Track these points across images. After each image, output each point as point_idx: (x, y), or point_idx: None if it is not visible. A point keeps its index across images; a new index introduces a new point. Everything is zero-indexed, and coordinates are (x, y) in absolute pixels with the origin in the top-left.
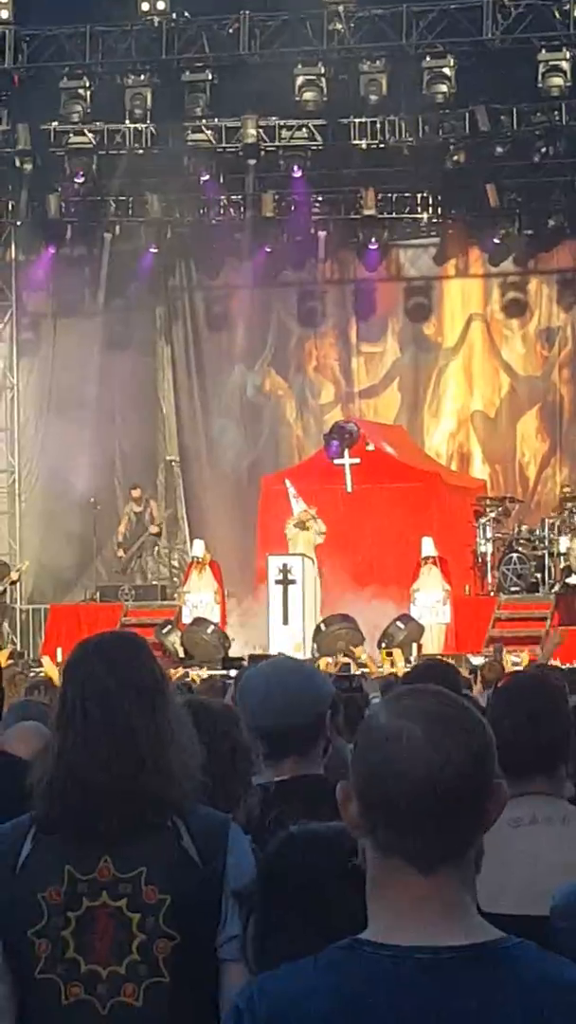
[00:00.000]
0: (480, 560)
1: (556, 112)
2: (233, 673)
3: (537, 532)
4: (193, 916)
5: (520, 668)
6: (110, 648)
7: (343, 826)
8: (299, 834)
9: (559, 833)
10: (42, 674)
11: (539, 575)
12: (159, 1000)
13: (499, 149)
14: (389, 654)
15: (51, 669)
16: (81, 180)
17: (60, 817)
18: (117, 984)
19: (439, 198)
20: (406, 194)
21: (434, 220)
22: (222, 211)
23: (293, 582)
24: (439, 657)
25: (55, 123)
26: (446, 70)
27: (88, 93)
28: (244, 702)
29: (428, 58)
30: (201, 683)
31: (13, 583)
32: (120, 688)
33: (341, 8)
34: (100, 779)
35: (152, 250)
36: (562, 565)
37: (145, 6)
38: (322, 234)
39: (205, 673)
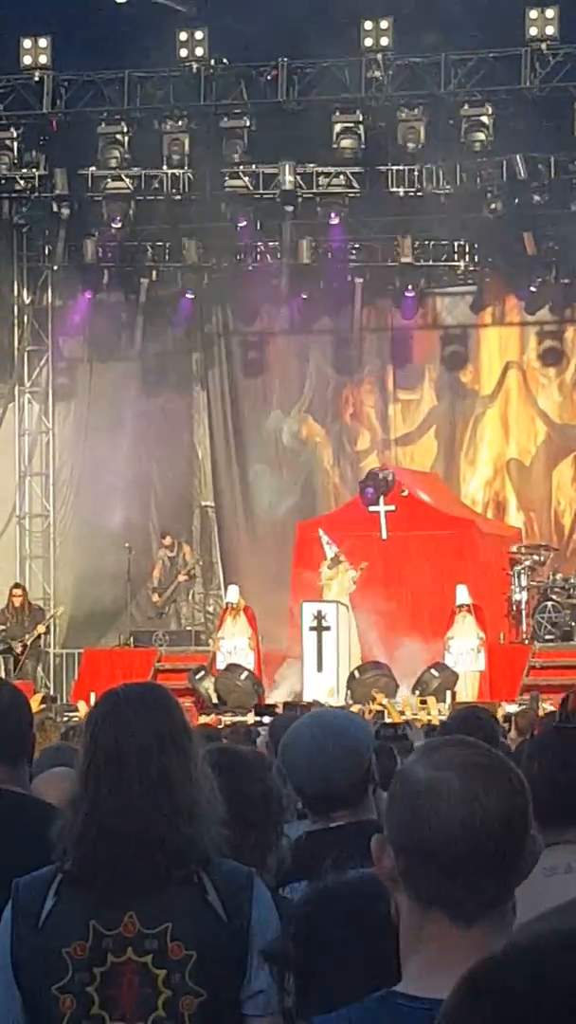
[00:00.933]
0: (515, 608)
1: None
2: (266, 720)
3: (572, 580)
4: (219, 972)
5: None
6: (138, 698)
7: (373, 873)
8: (332, 885)
9: None
10: (76, 719)
11: (574, 623)
12: None
13: (536, 197)
14: (423, 702)
15: (85, 712)
16: (118, 225)
17: (86, 868)
18: None
19: (476, 246)
20: (443, 242)
21: (471, 268)
22: (259, 257)
23: (328, 629)
24: (475, 704)
25: (93, 168)
26: (484, 118)
27: (126, 138)
28: (289, 764)
29: (466, 106)
30: (225, 728)
31: (47, 630)
32: (148, 738)
33: (379, 56)
34: (127, 829)
35: (189, 295)
36: None
37: (184, 52)
38: (359, 281)
39: (231, 719)
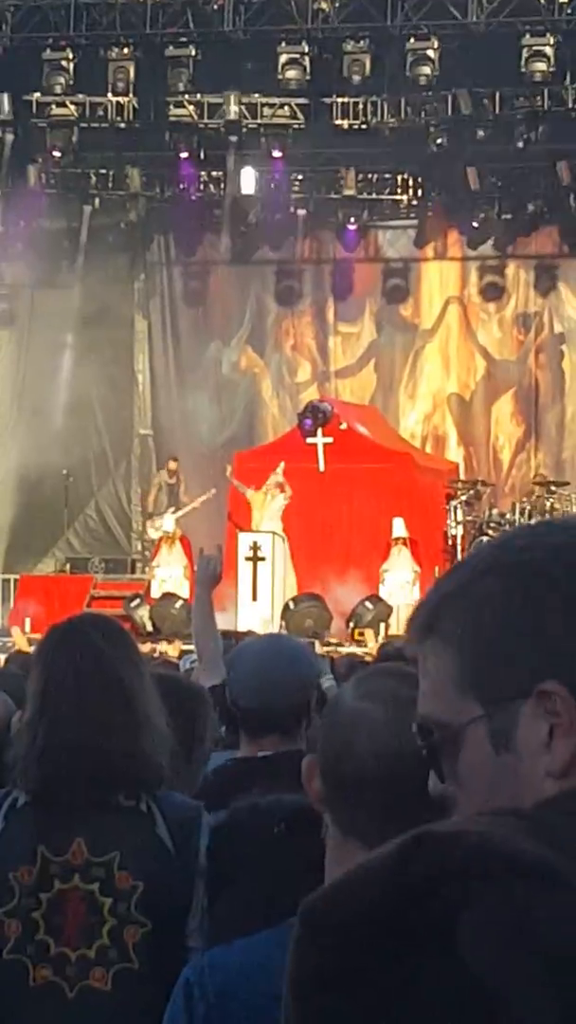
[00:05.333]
0: (451, 542)
1: (538, 97)
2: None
3: (508, 516)
4: (165, 904)
5: None
6: (91, 628)
7: (285, 797)
8: (242, 807)
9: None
10: (10, 643)
11: None
12: (128, 985)
13: (480, 133)
14: (361, 634)
15: (20, 639)
16: (62, 152)
17: (47, 787)
18: (86, 968)
19: (419, 180)
20: (386, 175)
21: (413, 202)
22: (202, 187)
23: (263, 559)
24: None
25: (37, 94)
26: (430, 52)
27: (71, 65)
28: (229, 678)
29: (412, 40)
30: (156, 660)
31: None
32: (99, 667)
33: None
34: (89, 741)
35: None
36: None
37: None
38: (301, 213)
39: (176, 649)
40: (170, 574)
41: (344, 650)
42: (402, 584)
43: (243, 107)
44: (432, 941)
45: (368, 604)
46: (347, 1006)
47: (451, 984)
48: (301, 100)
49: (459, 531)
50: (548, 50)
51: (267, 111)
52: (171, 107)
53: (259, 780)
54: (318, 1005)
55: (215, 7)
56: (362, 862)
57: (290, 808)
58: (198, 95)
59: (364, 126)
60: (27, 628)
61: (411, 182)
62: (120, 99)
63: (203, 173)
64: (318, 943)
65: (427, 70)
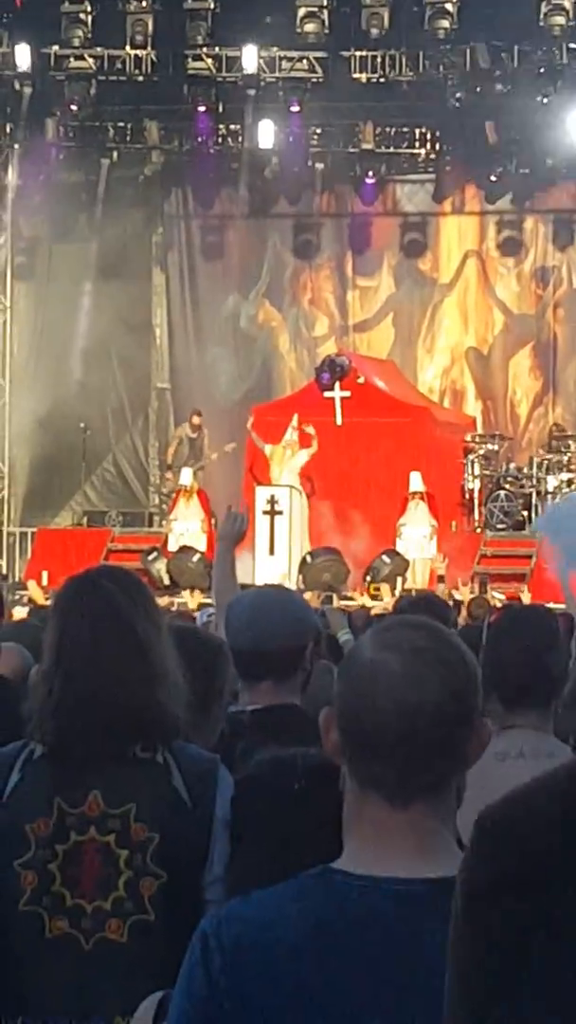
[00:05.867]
0: (467, 497)
1: (557, 51)
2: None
3: (525, 470)
4: (181, 856)
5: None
6: (109, 572)
7: (306, 751)
8: (265, 760)
9: (544, 768)
10: (26, 598)
11: (526, 513)
12: (143, 937)
13: (499, 87)
14: (377, 588)
15: (36, 592)
16: (80, 105)
17: (62, 739)
18: (101, 919)
19: (437, 134)
20: (404, 129)
21: (432, 156)
22: (220, 140)
23: (280, 513)
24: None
25: (56, 47)
26: (448, 5)
27: (89, 18)
28: (227, 622)
29: None
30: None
31: None
32: (123, 605)
33: None
34: (103, 695)
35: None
36: (549, 503)
37: None
38: (319, 167)
39: (194, 602)
40: (187, 528)
41: (360, 603)
42: (419, 538)
43: (261, 60)
44: None
45: (385, 558)
46: (525, 910)
47: None
48: (319, 54)
49: (476, 485)
50: (567, 3)
51: (285, 65)
52: (189, 60)
53: (247, 734)
54: (496, 910)
55: None
56: (539, 778)
57: (311, 762)
58: (216, 48)
59: (382, 80)
60: (44, 581)
61: (429, 136)
62: (138, 52)
63: (221, 126)
64: (498, 851)
65: (446, 24)
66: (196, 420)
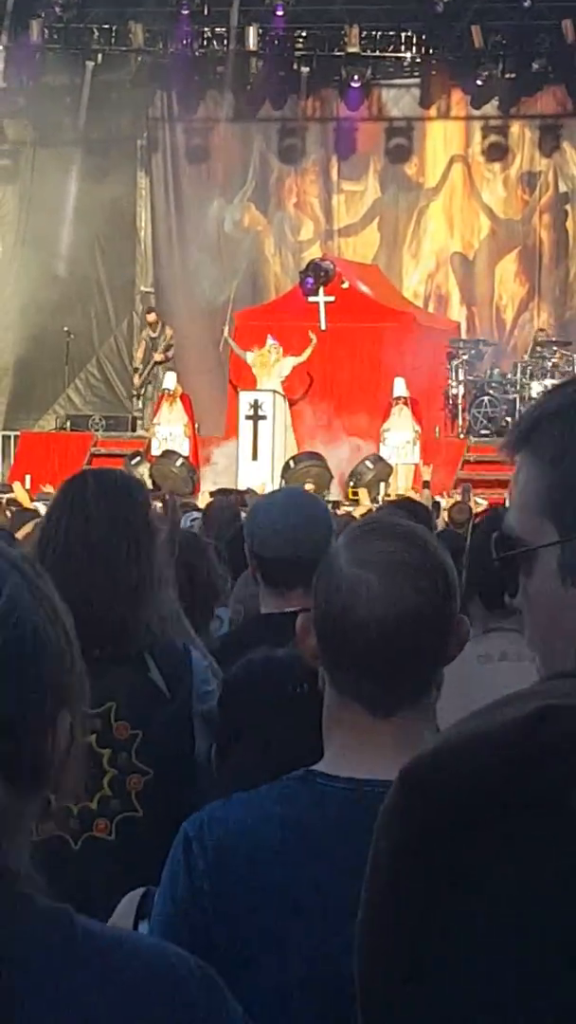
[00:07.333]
0: (451, 402)
1: None
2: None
3: (509, 376)
4: (165, 750)
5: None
6: (105, 480)
7: (298, 653)
8: (257, 660)
9: (527, 670)
10: (11, 497)
11: (509, 419)
12: (132, 834)
13: None
14: (355, 493)
15: (21, 494)
16: (64, 7)
17: None
18: (89, 819)
19: (423, 38)
20: (390, 32)
21: (417, 60)
22: (205, 43)
23: (264, 418)
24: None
25: None
26: None
27: None
28: (252, 529)
29: None
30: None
31: None
32: (111, 519)
33: None
34: (71, 603)
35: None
36: None
37: None
38: (304, 70)
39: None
40: (171, 432)
41: (343, 510)
42: (402, 443)
43: None
44: (545, 808)
45: (368, 463)
46: (450, 866)
47: (560, 848)
48: None
49: (460, 391)
50: None
51: None
52: None
53: (284, 636)
54: (419, 865)
55: None
56: (470, 729)
57: (307, 665)
58: None
59: None
60: (27, 484)
61: (415, 40)
62: None
63: (206, 29)
64: (424, 804)
65: None
66: (151, 317)
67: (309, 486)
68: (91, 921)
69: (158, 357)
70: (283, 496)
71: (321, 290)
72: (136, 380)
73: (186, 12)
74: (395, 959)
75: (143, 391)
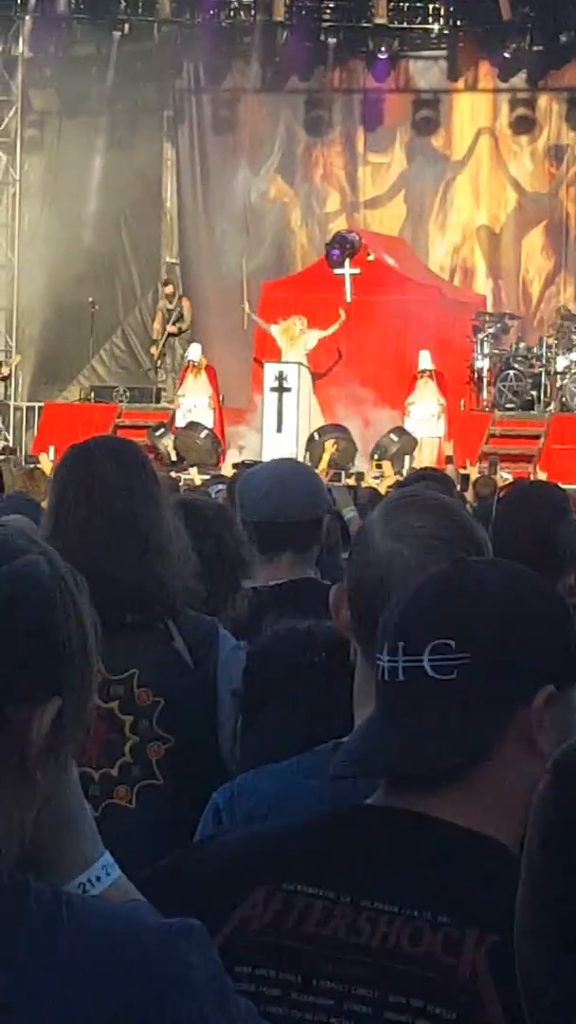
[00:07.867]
0: (476, 376)
1: None
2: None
3: (535, 350)
4: (186, 719)
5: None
6: (114, 448)
7: (320, 624)
8: (280, 632)
9: None
10: (38, 470)
11: (535, 393)
12: (152, 802)
13: None
14: (379, 466)
15: (48, 466)
16: None
17: None
18: (109, 786)
19: (451, 9)
20: (418, 4)
21: (445, 32)
22: (232, 13)
23: (288, 390)
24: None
25: None
26: None
27: None
28: (242, 495)
29: None
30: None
31: (3, 379)
32: (117, 482)
33: None
34: (94, 568)
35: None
36: (558, 384)
37: None
38: (331, 41)
39: (199, 479)
40: (195, 403)
41: (368, 483)
42: (427, 416)
43: None
44: None
45: (393, 436)
46: None
47: None
48: None
49: (485, 364)
50: None
51: None
52: None
53: (271, 610)
54: (572, 850)
55: None
56: None
57: (328, 635)
58: None
59: None
60: (51, 456)
61: (442, 11)
62: None
63: (233, 0)
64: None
65: None
66: (168, 289)
67: (327, 459)
68: (42, 885)
69: (171, 329)
70: (270, 464)
71: (347, 262)
72: (154, 351)
73: None
74: (555, 936)
75: (159, 363)
